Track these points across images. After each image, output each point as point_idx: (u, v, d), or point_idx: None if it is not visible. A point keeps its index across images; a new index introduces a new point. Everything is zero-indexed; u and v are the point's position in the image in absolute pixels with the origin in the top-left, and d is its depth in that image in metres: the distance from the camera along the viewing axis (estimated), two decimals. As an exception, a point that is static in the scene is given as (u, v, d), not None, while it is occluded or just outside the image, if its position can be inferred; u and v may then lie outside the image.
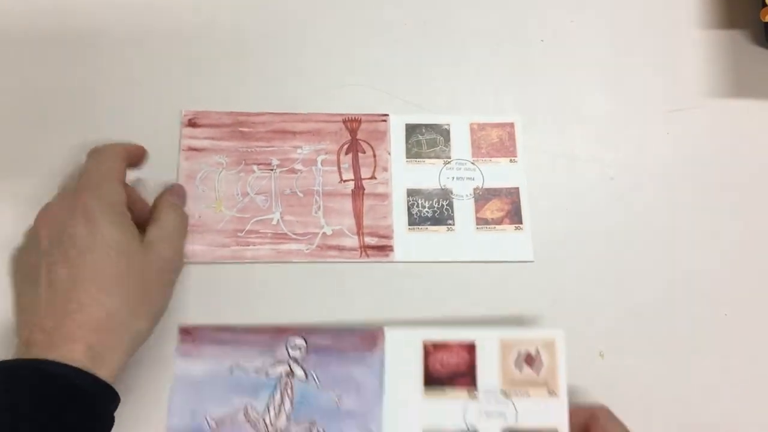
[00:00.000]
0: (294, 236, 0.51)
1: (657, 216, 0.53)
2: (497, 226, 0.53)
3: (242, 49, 0.57)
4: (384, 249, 0.51)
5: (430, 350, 0.46)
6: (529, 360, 0.46)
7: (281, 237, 0.51)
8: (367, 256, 0.51)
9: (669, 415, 0.43)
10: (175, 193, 0.50)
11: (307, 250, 0.51)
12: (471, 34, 0.58)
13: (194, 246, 0.50)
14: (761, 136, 0.56)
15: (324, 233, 0.52)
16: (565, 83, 0.57)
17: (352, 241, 0.52)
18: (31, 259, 0.42)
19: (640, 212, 0.53)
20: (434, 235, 0.52)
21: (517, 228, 0.52)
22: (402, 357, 0.46)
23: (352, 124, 0.55)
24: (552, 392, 0.45)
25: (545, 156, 0.55)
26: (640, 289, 0.50)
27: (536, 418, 0.44)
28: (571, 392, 0.45)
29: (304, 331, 0.48)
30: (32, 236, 0.44)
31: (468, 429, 0.45)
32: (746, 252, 0.52)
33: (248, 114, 0.54)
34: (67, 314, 0.38)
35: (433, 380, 0.46)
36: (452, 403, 0.46)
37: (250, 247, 0.51)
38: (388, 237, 0.52)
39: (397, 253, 0.51)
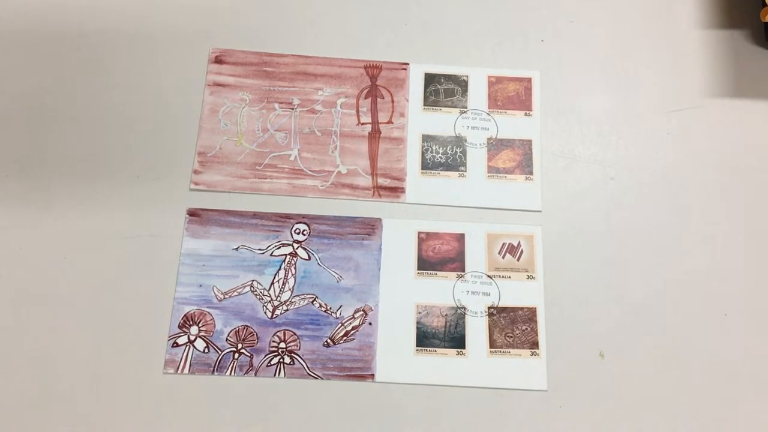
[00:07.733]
0: (310, 173, 0.53)
1: (657, 215, 0.53)
2: (508, 175, 0.54)
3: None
4: (396, 190, 0.53)
5: (423, 238, 0.51)
6: (512, 250, 0.51)
7: (298, 172, 0.53)
8: (380, 196, 0.53)
9: (669, 415, 0.43)
10: None
11: (321, 186, 0.53)
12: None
13: (214, 176, 0.52)
14: (761, 136, 0.55)
15: (339, 172, 0.53)
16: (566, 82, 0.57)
17: (365, 181, 0.53)
18: None
19: (639, 212, 0.53)
20: (446, 179, 0.53)
21: (527, 178, 0.54)
22: (398, 243, 0.51)
23: (372, 70, 0.56)
24: (531, 277, 0.50)
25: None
26: (640, 289, 0.50)
27: (516, 297, 0.50)
28: (571, 392, 0.47)
29: (308, 219, 0.52)
30: None
31: (456, 304, 0.50)
32: (746, 252, 0.52)
33: (273, 55, 0.56)
34: None
35: (425, 265, 0.51)
36: (443, 282, 0.50)
37: (267, 180, 0.53)
38: (401, 179, 0.53)
39: (409, 195, 0.53)
